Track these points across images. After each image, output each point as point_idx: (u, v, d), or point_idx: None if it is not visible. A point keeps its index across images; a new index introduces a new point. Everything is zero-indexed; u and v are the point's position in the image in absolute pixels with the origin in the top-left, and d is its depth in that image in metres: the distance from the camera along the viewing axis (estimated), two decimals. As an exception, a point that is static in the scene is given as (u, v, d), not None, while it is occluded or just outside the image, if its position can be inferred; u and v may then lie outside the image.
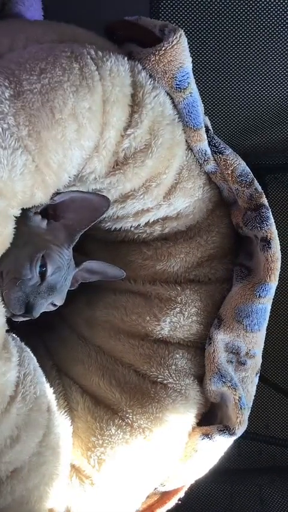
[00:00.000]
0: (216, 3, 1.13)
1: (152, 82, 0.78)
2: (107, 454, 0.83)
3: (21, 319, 0.77)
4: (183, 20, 1.14)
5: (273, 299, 0.86)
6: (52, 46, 0.74)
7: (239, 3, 1.13)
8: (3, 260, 0.74)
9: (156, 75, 0.78)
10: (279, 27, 1.15)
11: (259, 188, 0.86)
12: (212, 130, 0.87)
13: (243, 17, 1.14)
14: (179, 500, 0.90)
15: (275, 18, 1.14)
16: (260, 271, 0.85)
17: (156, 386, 0.86)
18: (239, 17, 1.14)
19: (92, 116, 0.72)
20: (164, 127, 0.79)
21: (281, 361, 1.49)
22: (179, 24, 1.13)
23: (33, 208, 0.77)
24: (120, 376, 0.88)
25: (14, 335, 0.79)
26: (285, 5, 1.13)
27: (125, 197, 0.84)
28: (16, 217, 0.72)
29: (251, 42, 1.17)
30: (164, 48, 0.76)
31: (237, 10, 1.13)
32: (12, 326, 0.78)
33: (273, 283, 0.84)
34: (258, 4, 1.13)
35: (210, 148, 0.85)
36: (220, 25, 1.15)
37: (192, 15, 1.14)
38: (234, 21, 1.15)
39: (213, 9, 1.14)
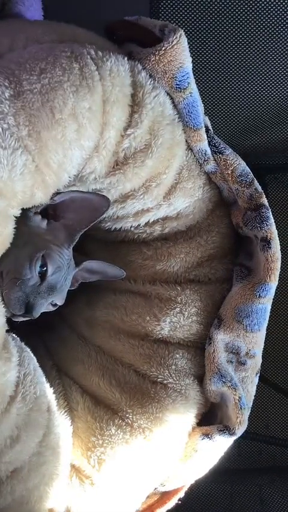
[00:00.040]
0: (216, 3, 1.13)
1: (152, 82, 0.78)
2: (107, 454, 0.83)
3: (21, 319, 0.77)
4: (183, 20, 1.14)
5: (273, 299, 0.86)
6: (52, 46, 0.74)
7: (239, 3, 1.13)
8: (3, 260, 0.74)
9: (156, 75, 0.78)
10: (279, 27, 1.15)
11: (259, 188, 0.86)
12: (212, 130, 0.87)
13: (243, 17, 1.14)
14: (179, 500, 0.90)
15: (275, 18, 1.14)
16: (260, 271, 0.85)
17: (156, 387, 0.86)
18: (239, 17, 1.14)
19: (92, 116, 0.72)
20: (164, 127, 0.79)
21: (281, 361, 1.49)
22: (179, 24, 1.13)
23: (33, 208, 0.77)
24: (120, 376, 0.88)
25: (14, 335, 0.79)
26: (285, 5, 1.13)
27: (125, 197, 0.84)
28: (16, 217, 0.72)
29: (251, 42, 1.17)
30: (164, 48, 0.76)
31: (237, 10, 1.13)
32: (12, 326, 0.78)
33: (273, 283, 0.84)
34: (258, 4, 1.13)
35: (210, 148, 0.85)
36: (220, 25, 1.15)
37: (192, 15, 1.14)
38: (234, 21, 1.15)
39: (213, 9, 1.14)
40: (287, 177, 1.48)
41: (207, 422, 0.88)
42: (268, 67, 1.20)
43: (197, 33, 1.15)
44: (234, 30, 1.15)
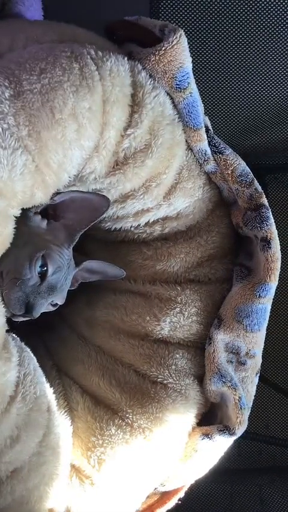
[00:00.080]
0: (216, 3, 1.13)
1: (152, 82, 0.78)
2: (107, 454, 0.83)
3: (21, 319, 0.77)
4: (183, 20, 1.14)
5: (273, 299, 0.86)
6: (52, 46, 0.74)
7: (239, 3, 1.13)
8: (3, 260, 0.74)
9: (156, 75, 0.78)
10: (279, 27, 1.15)
11: (259, 188, 0.86)
12: (212, 130, 0.87)
13: (243, 17, 1.14)
14: (179, 500, 0.90)
15: (275, 18, 1.14)
16: (260, 271, 0.85)
17: (156, 387, 0.86)
18: (239, 17, 1.14)
19: (92, 116, 0.72)
20: (164, 127, 0.79)
21: (281, 361, 1.49)
22: (179, 24, 1.13)
23: (33, 208, 0.77)
24: (120, 376, 0.88)
25: (14, 335, 0.79)
26: (285, 5, 1.13)
27: (125, 197, 0.84)
28: (16, 217, 0.72)
29: (251, 42, 1.17)
30: (164, 48, 0.76)
31: (237, 10, 1.13)
32: (12, 326, 0.78)
33: (273, 283, 0.84)
34: (258, 4, 1.13)
35: (210, 148, 0.85)
36: (220, 25, 1.15)
37: (192, 15, 1.14)
38: (234, 21, 1.15)
39: (213, 9, 1.14)
40: (287, 177, 1.48)
41: (207, 422, 0.88)
42: (268, 67, 1.20)
43: (197, 33, 1.15)
44: (234, 30, 1.15)
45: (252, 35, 1.16)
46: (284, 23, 1.14)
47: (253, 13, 1.13)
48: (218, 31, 1.16)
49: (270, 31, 1.15)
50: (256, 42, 1.17)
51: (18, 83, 0.68)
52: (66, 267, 0.80)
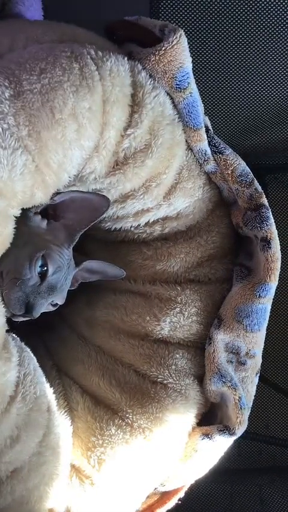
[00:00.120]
0: (216, 3, 1.13)
1: (152, 82, 0.78)
2: (107, 454, 0.83)
3: (21, 319, 0.77)
4: (183, 20, 1.14)
5: (273, 299, 0.86)
6: (52, 46, 0.74)
7: (239, 3, 1.13)
8: (3, 260, 0.74)
9: (156, 75, 0.78)
10: (279, 27, 1.15)
11: (259, 188, 0.86)
12: (212, 130, 0.87)
13: (243, 17, 1.14)
14: (179, 500, 0.90)
15: (275, 18, 1.14)
16: (260, 271, 0.85)
17: (156, 387, 0.86)
18: (239, 17, 1.14)
19: (92, 116, 0.72)
20: (164, 127, 0.79)
21: (281, 361, 1.49)
22: (179, 24, 1.13)
23: (33, 208, 0.77)
24: (120, 376, 0.88)
25: (14, 335, 0.79)
26: (285, 5, 1.13)
27: (125, 197, 0.84)
28: (16, 217, 0.72)
29: (251, 42, 1.17)
30: (164, 48, 0.76)
31: (237, 10, 1.13)
32: (12, 326, 0.78)
33: (273, 283, 0.84)
34: (258, 4, 1.13)
35: (210, 148, 0.85)
36: (220, 25, 1.15)
37: (192, 15, 1.14)
38: (234, 21, 1.15)
39: (213, 9, 1.14)
40: (287, 177, 1.48)
41: (207, 422, 0.88)
42: (268, 67, 1.20)
43: (197, 33, 1.15)
44: (234, 30, 1.15)
45: (252, 35, 1.16)
46: (284, 23, 1.14)
47: (253, 13, 1.13)
48: (218, 31, 1.16)
49: (270, 31, 1.15)
50: (256, 42, 1.17)
51: (18, 83, 0.68)
52: (66, 267, 0.80)
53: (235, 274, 0.90)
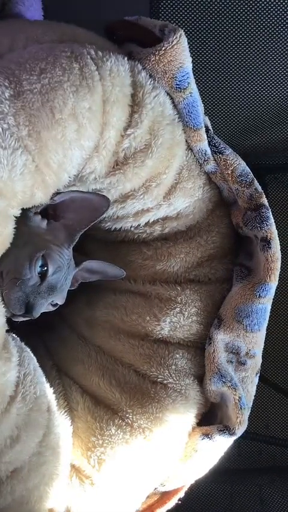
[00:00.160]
0: (216, 3, 1.13)
1: (152, 82, 0.78)
2: (107, 454, 0.83)
3: (21, 319, 0.77)
4: (183, 20, 1.14)
5: (273, 299, 0.86)
6: (52, 46, 0.74)
7: (239, 3, 1.13)
8: (3, 260, 0.74)
9: (156, 75, 0.78)
10: (279, 27, 1.15)
11: (259, 188, 0.86)
12: (212, 130, 0.87)
13: (243, 17, 1.14)
14: (179, 500, 0.90)
15: (275, 18, 1.14)
16: (260, 271, 0.85)
17: (156, 387, 0.86)
18: (239, 17, 1.14)
19: (92, 116, 0.72)
20: (164, 127, 0.79)
21: (281, 361, 1.49)
22: (179, 24, 1.13)
23: (33, 208, 0.77)
24: (120, 376, 0.88)
25: (14, 335, 0.79)
26: (285, 5, 1.13)
27: (125, 197, 0.84)
28: (16, 217, 0.72)
29: (251, 42, 1.17)
30: (164, 48, 0.76)
31: (237, 10, 1.13)
32: (12, 326, 0.78)
33: (273, 283, 0.84)
34: (258, 4, 1.13)
35: (210, 148, 0.85)
36: (220, 25, 1.15)
37: (192, 15, 1.14)
38: (234, 21, 1.15)
39: (213, 9, 1.14)
40: (287, 177, 1.48)
41: (207, 422, 0.88)
42: (268, 67, 1.20)
43: (197, 33, 1.15)
44: (234, 30, 1.15)
45: (252, 35, 1.16)
46: (284, 23, 1.14)
47: (253, 13, 1.13)
48: (218, 31, 1.16)
49: (270, 31, 1.15)
50: (256, 42, 1.17)
51: (18, 83, 0.68)
52: (66, 267, 0.80)
53: (235, 274, 0.90)
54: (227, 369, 0.86)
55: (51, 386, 0.81)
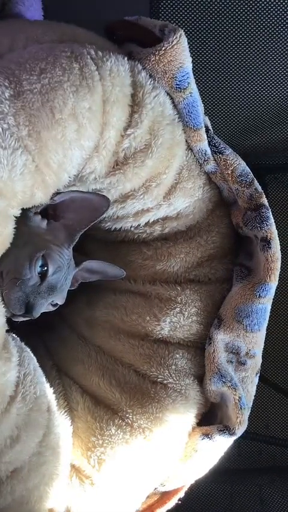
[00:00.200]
0: (216, 3, 1.13)
1: (152, 82, 0.78)
2: (107, 454, 0.83)
3: (21, 319, 0.77)
4: (183, 20, 1.14)
5: (273, 299, 0.86)
6: (52, 46, 0.74)
7: (239, 3, 1.13)
8: (3, 260, 0.74)
9: (156, 75, 0.78)
10: (279, 27, 1.15)
11: (259, 188, 0.86)
12: (212, 130, 0.87)
13: (243, 17, 1.14)
14: (179, 500, 0.90)
15: (275, 18, 1.14)
16: (260, 271, 0.85)
17: (156, 387, 0.86)
18: (239, 17, 1.14)
19: (92, 116, 0.72)
20: (164, 127, 0.79)
21: (281, 361, 1.49)
22: (179, 24, 1.13)
23: (33, 208, 0.77)
24: (120, 376, 0.88)
25: (14, 335, 0.79)
26: (285, 5, 1.13)
27: (125, 197, 0.84)
28: (16, 217, 0.72)
29: (251, 42, 1.17)
30: (164, 48, 0.76)
31: (237, 10, 1.14)
32: (12, 326, 0.78)
33: (273, 283, 0.84)
34: (258, 4, 1.13)
35: (210, 148, 0.85)
36: (220, 25, 1.15)
37: (192, 15, 1.14)
38: (234, 21, 1.15)
39: (213, 9, 1.14)
40: (287, 177, 1.48)
41: (207, 422, 0.88)
42: (268, 67, 1.20)
43: (197, 33, 1.15)
44: (234, 30, 1.15)
45: (252, 35, 1.16)
46: (284, 23, 1.14)
47: (253, 13, 1.13)
48: (218, 31, 1.16)
49: (270, 31, 1.15)
50: (256, 42, 1.17)
51: (18, 83, 0.68)
52: (66, 267, 0.80)
53: (235, 274, 0.90)
54: (227, 369, 0.86)
55: (51, 387, 0.81)
